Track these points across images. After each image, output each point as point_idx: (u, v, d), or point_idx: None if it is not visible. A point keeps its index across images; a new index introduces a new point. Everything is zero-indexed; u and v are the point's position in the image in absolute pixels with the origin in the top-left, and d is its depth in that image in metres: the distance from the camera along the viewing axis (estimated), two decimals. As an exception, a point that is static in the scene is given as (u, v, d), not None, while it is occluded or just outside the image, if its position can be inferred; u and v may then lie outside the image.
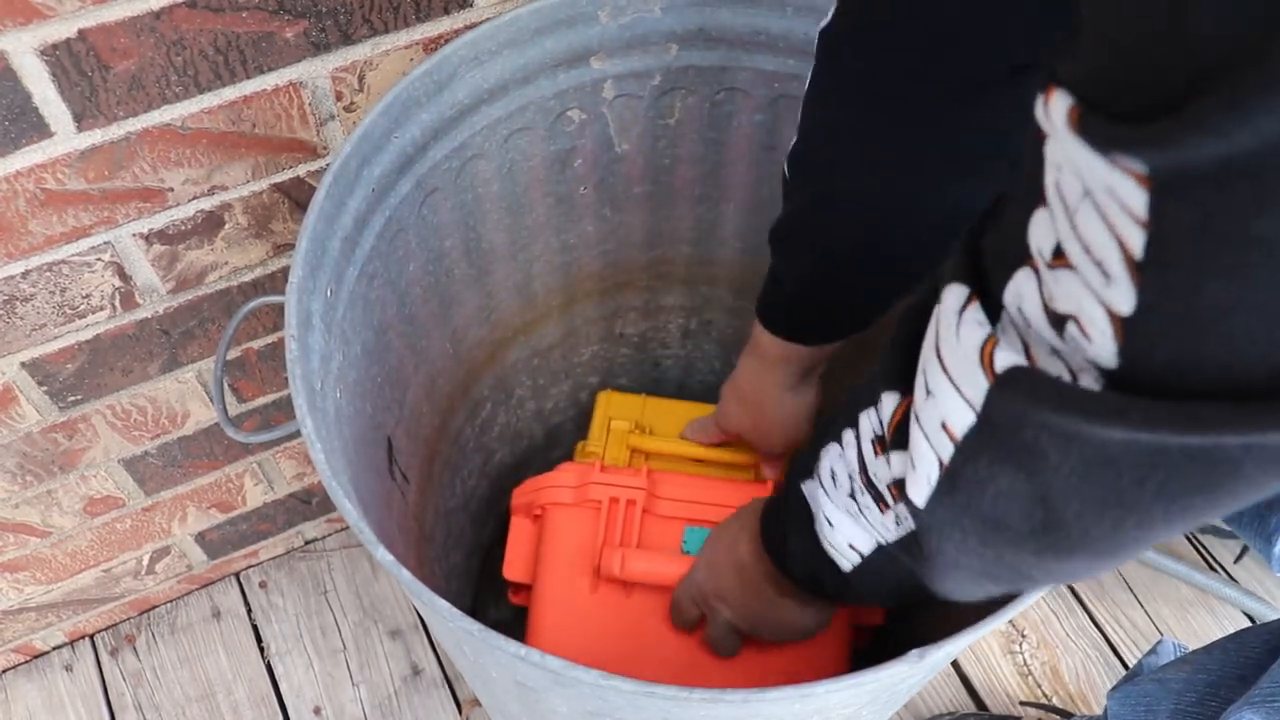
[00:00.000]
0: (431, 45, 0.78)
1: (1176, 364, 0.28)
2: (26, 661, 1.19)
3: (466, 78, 0.73)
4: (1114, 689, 0.94)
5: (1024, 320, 0.33)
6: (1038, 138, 0.30)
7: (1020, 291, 0.33)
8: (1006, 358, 0.34)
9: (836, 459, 0.52)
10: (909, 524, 0.47)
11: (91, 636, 1.20)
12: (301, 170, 0.82)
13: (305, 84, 0.76)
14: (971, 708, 1.19)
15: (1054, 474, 0.34)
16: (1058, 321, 0.31)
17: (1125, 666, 1.22)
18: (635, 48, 0.79)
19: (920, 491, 0.42)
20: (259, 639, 1.21)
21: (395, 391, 0.84)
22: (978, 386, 0.36)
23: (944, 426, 0.39)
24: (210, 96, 0.73)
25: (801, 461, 0.58)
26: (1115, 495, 0.33)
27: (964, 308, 0.37)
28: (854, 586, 0.57)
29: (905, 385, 0.44)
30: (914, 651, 0.53)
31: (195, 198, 0.79)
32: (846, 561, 0.55)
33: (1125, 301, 0.28)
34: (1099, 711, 1.18)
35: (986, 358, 0.35)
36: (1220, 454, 0.29)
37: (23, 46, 0.63)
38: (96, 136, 0.71)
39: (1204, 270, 0.26)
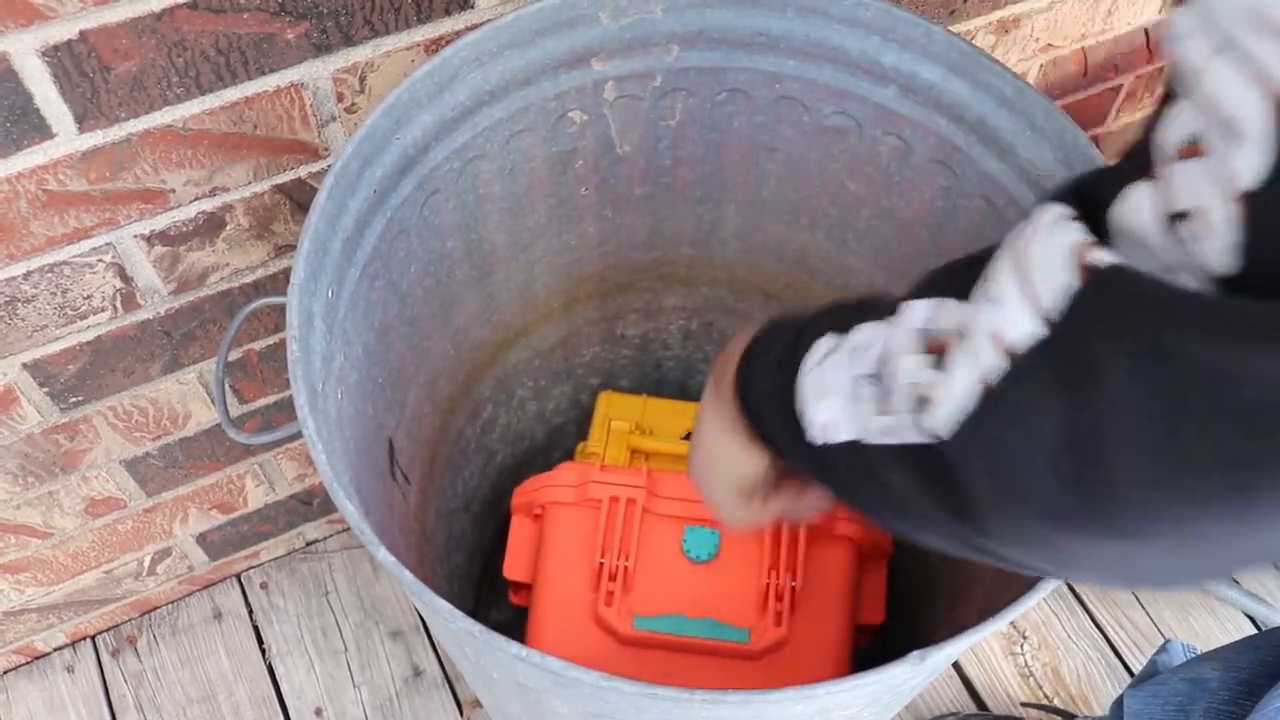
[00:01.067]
0: (433, 46, 0.78)
1: None
2: (28, 662, 1.19)
3: (468, 79, 0.74)
4: (1133, 687, 0.94)
5: (1131, 235, 0.30)
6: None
7: (1135, 204, 0.30)
8: (1106, 256, 0.30)
9: (867, 333, 0.43)
10: (907, 434, 0.39)
11: (93, 637, 1.20)
12: (303, 171, 0.82)
13: (307, 85, 0.76)
14: (973, 709, 1.19)
15: (1120, 409, 0.28)
16: (1171, 222, 0.28)
17: (1127, 668, 1.22)
18: (636, 49, 0.79)
19: (946, 414, 0.36)
20: (260, 640, 1.21)
21: (396, 392, 0.84)
22: (1059, 289, 0.31)
23: (999, 339, 0.33)
24: (212, 98, 0.73)
25: (830, 310, 0.49)
26: (1229, 449, 0.26)
27: (1059, 221, 0.33)
28: (801, 455, 0.47)
29: (962, 293, 0.38)
30: (915, 653, 0.53)
31: (197, 199, 0.79)
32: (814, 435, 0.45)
33: (1252, 166, 0.25)
34: (1100, 713, 1.18)
35: (1080, 257, 0.31)
36: None
37: (24, 48, 0.63)
38: (98, 138, 0.71)
39: None
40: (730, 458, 0.56)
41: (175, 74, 0.70)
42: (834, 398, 0.43)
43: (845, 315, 0.46)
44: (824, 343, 0.45)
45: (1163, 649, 0.99)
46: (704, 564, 0.89)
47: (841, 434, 0.43)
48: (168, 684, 1.18)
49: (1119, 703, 0.96)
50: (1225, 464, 0.27)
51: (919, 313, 0.40)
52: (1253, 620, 1.26)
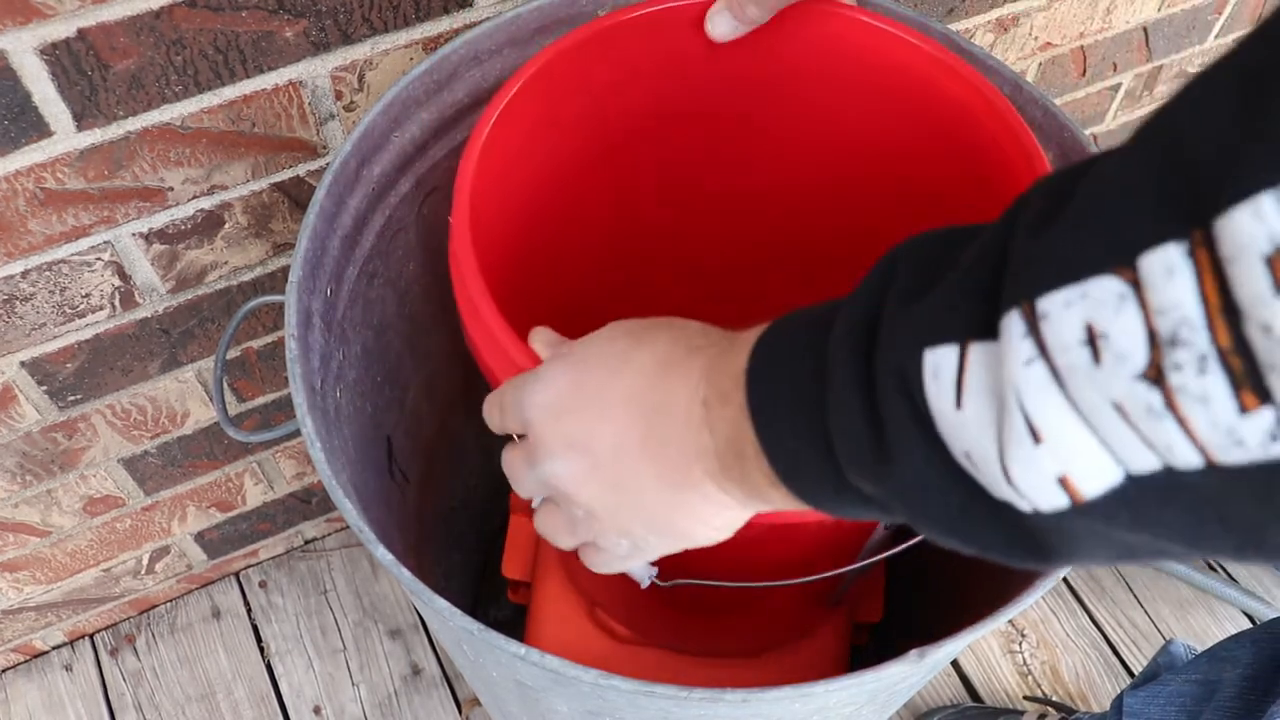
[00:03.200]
0: (431, 44, 0.78)
1: None
2: (26, 661, 1.19)
3: (466, 77, 0.73)
4: (1133, 688, 0.94)
5: None
6: None
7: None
8: None
9: (1103, 304, 0.24)
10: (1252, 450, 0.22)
11: (91, 636, 1.20)
12: (301, 169, 0.82)
13: (305, 83, 0.76)
14: (971, 707, 1.19)
15: None
16: None
17: (1125, 666, 1.22)
18: (635, 47, 0.79)
19: None
20: (259, 639, 1.21)
21: (395, 390, 0.84)
22: None
23: None
24: (210, 96, 0.73)
25: (927, 302, 0.30)
26: None
27: None
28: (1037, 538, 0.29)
29: None
30: (914, 651, 0.53)
31: (195, 197, 0.79)
32: (1045, 500, 0.27)
33: None
34: (1099, 710, 1.18)
35: None
36: None
37: (22, 46, 0.63)
38: (96, 136, 0.71)
39: None
40: (691, 522, 0.41)
41: (174, 72, 0.70)
42: (1073, 434, 0.26)
43: (972, 297, 0.28)
44: (976, 355, 0.28)
45: (1164, 650, 0.99)
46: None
47: (1098, 484, 0.26)
48: (166, 683, 1.18)
49: (1118, 702, 0.96)
50: None
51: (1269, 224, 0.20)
52: (1250, 619, 1.26)
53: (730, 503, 0.40)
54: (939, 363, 0.28)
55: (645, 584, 0.58)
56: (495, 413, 0.49)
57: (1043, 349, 0.25)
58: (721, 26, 0.63)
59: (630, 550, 0.44)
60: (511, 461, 0.47)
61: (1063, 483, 0.26)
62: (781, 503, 0.37)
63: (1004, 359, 0.26)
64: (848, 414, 0.32)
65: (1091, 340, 0.24)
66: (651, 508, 0.41)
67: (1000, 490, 0.28)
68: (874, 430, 0.31)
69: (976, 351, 0.28)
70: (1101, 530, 0.27)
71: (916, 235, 0.33)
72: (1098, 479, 0.26)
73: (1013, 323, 0.26)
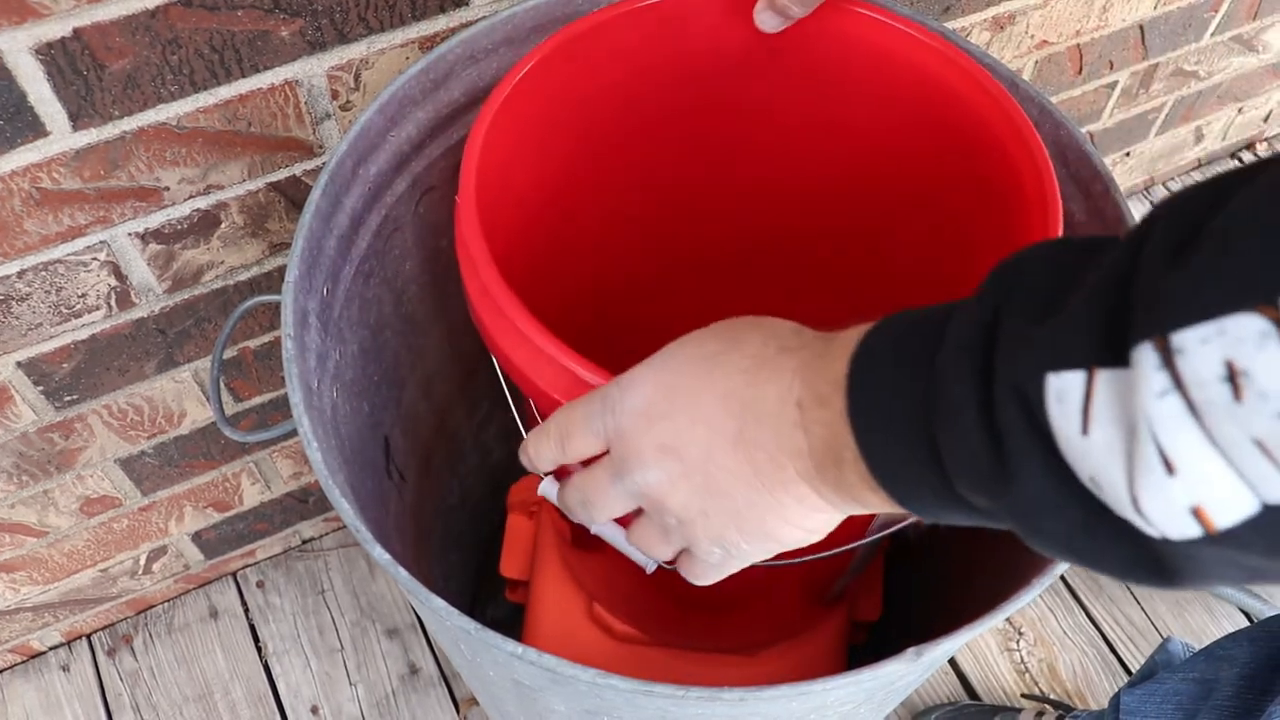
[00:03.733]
0: (427, 43, 0.78)
1: None
2: (23, 662, 1.19)
3: (462, 76, 0.73)
4: (1130, 686, 0.94)
5: None
6: None
7: None
8: None
9: (1243, 341, 0.24)
10: None
11: (88, 636, 1.20)
12: (297, 169, 0.82)
13: (301, 82, 0.76)
14: (969, 705, 1.19)
15: None
16: None
17: (1123, 664, 1.22)
18: (631, 46, 0.79)
19: None
20: (256, 638, 1.21)
21: (392, 390, 0.84)
22: None
23: None
24: (206, 95, 0.73)
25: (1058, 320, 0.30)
26: None
27: None
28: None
29: None
30: (911, 649, 0.53)
31: (191, 197, 0.79)
32: (1175, 528, 0.27)
33: None
34: (1096, 708, 1.18)
35: None
36: None
37: (18, 45, 0.63)
38: (92, 136, 0.71)
39: None
40: (784, 521, 0.41)
41: (169, 72, 0.70)
42: (1210, 467, 0.26)
43: (1094, 326, 0.28)
44: (1104, 382, 0.28)
45: (1162, 648, 0.99)
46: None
47: (1234, 515, 0.26)
48: (163, 683, 1.18)
49: (1116, 700, 0.96)
50: None
51: None
52: (1248, 617, 1.26)
53: (823, 505, 0.40)
54: (1064, 388, 0.28)
55: (650, 568, 0.58)
56: (551, 443, 0.46)
57: (1178, 382, 0.25)
58: (769, 22, 0.65)
59: (723, 558, 0.44)
60: (587, 484, 0.45)
61: (1196, 513, 0.26)
62: (878, 506, 0.37)
63: (1135, 389, 0.26)
64: (962, 430, 0.32)
65: (1232, 377, 0.24)
66: (743, 511, 0.41)
67: (1126, 514, 0.28)
68: (992, 448, 0.31)
69: (1104, 379, 0.28)
70: (1231, 557, 0.27)
71: (1032, 247, 0.33)
72: (1233, 510, 0.26)
73: (1145, 354, 0.26)
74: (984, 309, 0.32)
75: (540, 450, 0.47)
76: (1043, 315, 0.30)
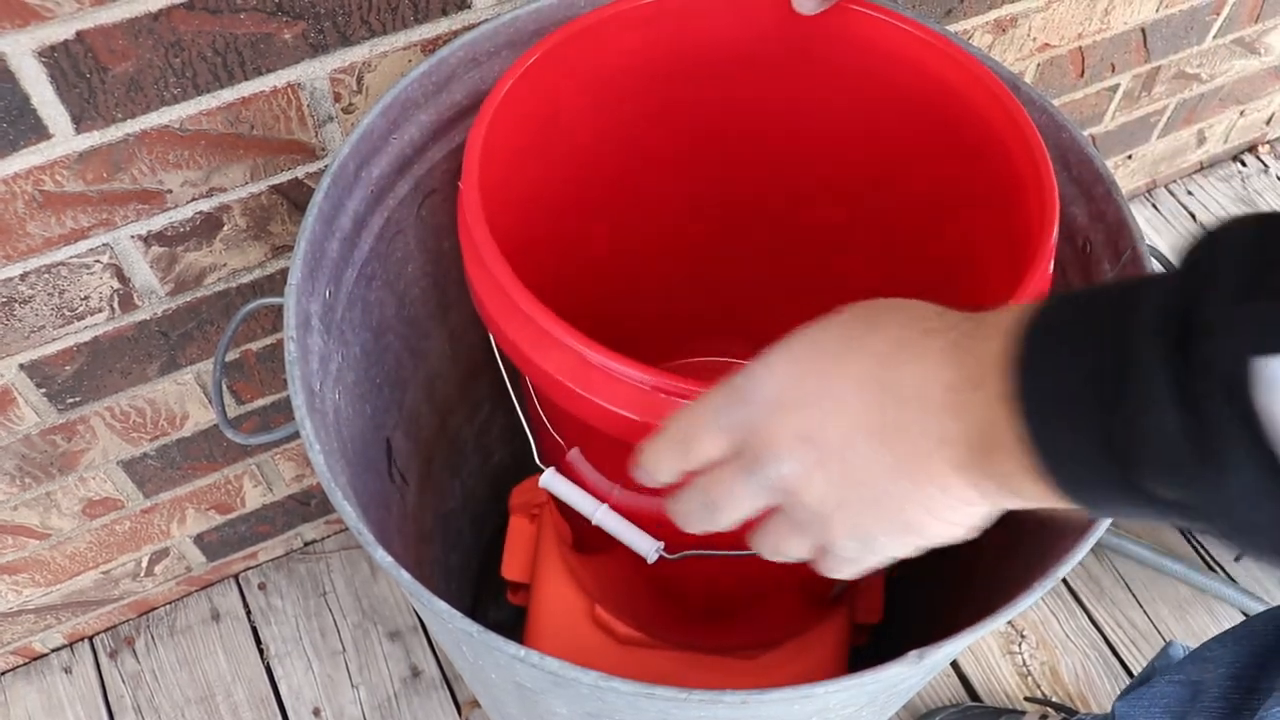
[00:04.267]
0: (430, 47, 0.78)
1: None
2: (25, 664, 1.19)
3: (464, 79, 0.73)
4: (1126, 692, 0.94)
5: None
6: None
7: None
8: None
9: None
10: None
11: (90, 638, 1.20)
12: (300, 172, 0.82)
13: (303, 85, 0.76)
14: (971, 708, 1.19)
15: None
16: None
17: (1125, 667, 1.22)
18: (633, 49, 0.79)
19: None
20: (258, 641, 1.21)
21: (394, 393, 0.84)
22: None
23: None
24: (208, 98, 0.73)
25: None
26: None
27: None
28: None
29: None
30: (914, 652, 0.53)
31: (194, 199, 0.79)
32: None
33: None
34: (1099, 711, 1.18)
35: None
36: None
37: (21, 48, 0.63)
38: (95, 138, 0.71)
39: None
40: (928, 514, 0.38)
41: (172, 74, 0.70)
42: None
43: None
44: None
45: (1163, 652, 0.99)
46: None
47: None
48: (166, 685, 1.18)
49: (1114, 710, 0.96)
50: None
51: None
52: (1247, 617, 1.26)
53: (974, 497, 0.37)
54: (1277, 374, 0.27)
55: (652, 558, 0.57)
56: (672, 448, 0.43)
57: None
58: (807, 4, 0.65)
59: (859, 551, 0.41)
60: (712, 485, 0.42)
61: None
62: (1038, 499, 0.35)
63: None
64: (1157, 417, 0.30)
65: None
66: (883, 502, 0.38)
67: None
68: (1193, 436, 0.29)
69: None
70: None
71: (1227, 225, 0.31)
72: None
73: None
74: (1182, 289, 0.30)
75: (660, 458, 0.43)
76: (1246, 296, 0.28)
